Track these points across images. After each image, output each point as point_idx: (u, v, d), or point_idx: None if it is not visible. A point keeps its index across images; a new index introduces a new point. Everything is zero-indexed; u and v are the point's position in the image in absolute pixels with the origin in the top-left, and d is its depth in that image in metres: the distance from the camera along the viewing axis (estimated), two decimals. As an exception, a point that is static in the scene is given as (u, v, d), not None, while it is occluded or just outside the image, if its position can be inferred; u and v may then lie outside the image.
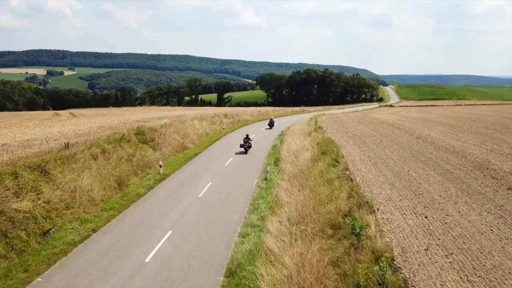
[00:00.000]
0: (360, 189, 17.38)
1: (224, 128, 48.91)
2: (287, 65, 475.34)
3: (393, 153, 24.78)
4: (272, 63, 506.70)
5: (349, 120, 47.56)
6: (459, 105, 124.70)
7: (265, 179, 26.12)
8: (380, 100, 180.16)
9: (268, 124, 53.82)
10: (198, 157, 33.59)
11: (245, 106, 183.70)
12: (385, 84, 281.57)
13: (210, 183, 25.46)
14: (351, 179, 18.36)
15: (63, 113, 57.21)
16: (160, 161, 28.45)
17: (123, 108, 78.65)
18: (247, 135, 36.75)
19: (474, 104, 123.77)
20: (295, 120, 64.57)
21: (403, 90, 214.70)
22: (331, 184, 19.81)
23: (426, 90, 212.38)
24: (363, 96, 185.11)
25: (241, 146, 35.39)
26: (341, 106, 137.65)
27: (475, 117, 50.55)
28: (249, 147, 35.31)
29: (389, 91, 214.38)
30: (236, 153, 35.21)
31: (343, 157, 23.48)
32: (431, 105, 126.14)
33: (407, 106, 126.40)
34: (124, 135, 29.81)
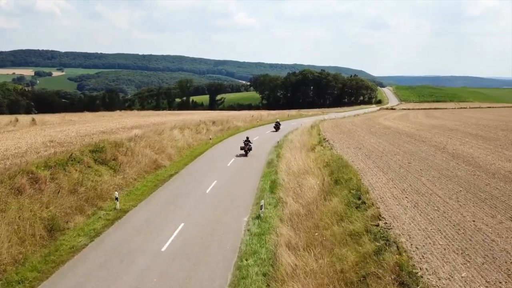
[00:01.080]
0: (413, 264, 10.57)
1: (210, 138, 41.98)
2: (281, 66, 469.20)
3: (435, 185, 18.00)
4: (267, 63, 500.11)
5: (357, 129, 40.79)
6: (464, 108, 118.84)
7: (258, 217, 19.30)
8: (379, 102, 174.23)
9: (274, 127, 54.03)
10: (173, 181, 26.61)
11: (238, 108, 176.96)
12: (382, 86, 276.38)
13: (181, 225, 18.55)
14: (397, 247, 11.48)
15: (25, 119, 49.94)
16: (116, 192, 21.37)
17: (99, 113, 71.23)
18: (247, 138, 36.88)
19: (480, 107, 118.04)
20: (293, 127, 57.73)
21: (402, 92, 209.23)
22: (357, 242, 12.97)
23: (425, 91, 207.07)
24: (361, 98, 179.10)
25: (242, 148, 35.65)
26: (339, 109, 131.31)
27: (501, 125, 44.08)
28: (250, 149, 35.69)
29: (387, 93, 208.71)
30: (232, 160, 28.41)
31: (367, 193, 16.65)
32: (434, 108, 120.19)
33: (410, 109, 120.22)
34: (72, 154, 22.77)
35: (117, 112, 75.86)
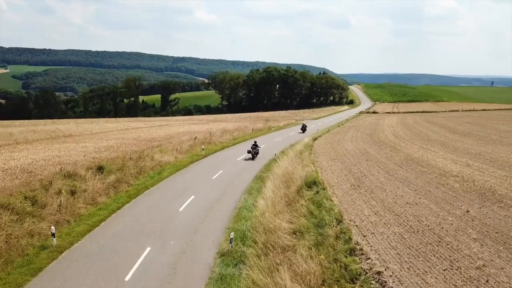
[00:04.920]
0: None
1: (54, 240, 16.03)
2: (243, 64, 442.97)
3: None
4: (228, 61, 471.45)
5: (415, 196, 16.07)
6: (456, 110, 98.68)
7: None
8: (351, 102, 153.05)
9: (301, 129, 54.27)
10: None
11: (195, 110, 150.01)
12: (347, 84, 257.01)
13: None
14: None
15: None
16: None
17: None
18: (255, 142, 34.89)
19: (474, 110, 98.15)
20: (261, 161, 33.00)
21: (372, 91, 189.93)
22: None
23: (396, 90, 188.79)
24: (331, 98, 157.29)
25: (249, 152, 33.86)
26: (311, 112, 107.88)
27: None
28: (256, 153, 33.83)
29: (357, 92, 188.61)
30: None
31: None
32: (422, 111, 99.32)
33: (394, 112, 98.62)
34: None
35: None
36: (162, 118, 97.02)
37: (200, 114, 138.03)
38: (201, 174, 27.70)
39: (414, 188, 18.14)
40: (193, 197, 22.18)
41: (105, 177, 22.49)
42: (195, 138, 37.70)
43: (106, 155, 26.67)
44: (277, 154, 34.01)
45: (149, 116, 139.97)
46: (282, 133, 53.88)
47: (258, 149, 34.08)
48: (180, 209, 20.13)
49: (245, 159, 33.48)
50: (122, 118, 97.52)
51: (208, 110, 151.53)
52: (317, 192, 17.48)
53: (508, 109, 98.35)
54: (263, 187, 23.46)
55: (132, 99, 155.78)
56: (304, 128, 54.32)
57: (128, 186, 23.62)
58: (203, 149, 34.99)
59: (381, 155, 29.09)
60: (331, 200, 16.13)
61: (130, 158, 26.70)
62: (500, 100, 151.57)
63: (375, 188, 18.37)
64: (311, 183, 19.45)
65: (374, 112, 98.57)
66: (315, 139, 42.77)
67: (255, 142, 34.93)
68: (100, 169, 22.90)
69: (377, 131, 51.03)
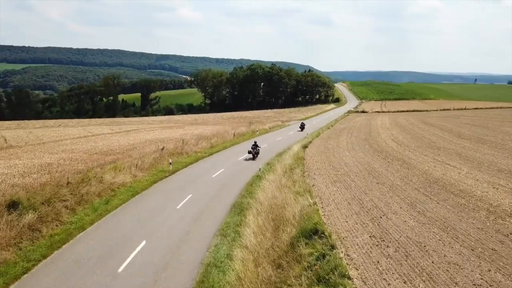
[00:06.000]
0: None
1: None
2: (228, 61, 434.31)
3: None
4: (212, 58, 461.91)
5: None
6: (448, 109, 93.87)
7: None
8: (337, 100, 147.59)
9: (300, 127, 55.62)
10: None
11: (176, 109, 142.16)
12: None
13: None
14: None
15: None
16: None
17: None
18: (255, 142, 34.16)
19: (465, 108, 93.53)
20: (242, 178, 26.47)
21: (358, 89, 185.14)
22: None
23: (382, 88, 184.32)
24: (317, 96, 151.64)
25: (249, 152, 33.09)
26: (297, 112, 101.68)
27: None
28: (257, 153, 33.10)
29: (343, 90, 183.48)
30: None
31: None
32: (413, 110, 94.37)
33: (384, 111, 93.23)
34: None
35: None
36: (136, 120, 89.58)
37: (182, 114, 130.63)
38: (163, 202, 21.04)
39: (467, 244, 11.88)
40: (143, 243, 15.57)
41: (18, 217, 15.67)
42: (162, 148, 30.90)
43: (35, 179, 19.79)
44: (262, 169, 27.57)
45: (128, 116, 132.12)
46: (267, 137, 47.52)
47: (258, 149, 33.61)
48: (120, 270, 13.49)
49: (246, 159, 32.48)
50: (95, 120, 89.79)
51: (190, 109, 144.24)
52: (323, 256, 11.04)
53: (501, 108, 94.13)
54: (242, 225, 17.05)
55: (111, 98, 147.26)
56: (302, 127, 55.72)
57: (57, 226, 16.88)
58: (170, 163, 28.24)
59: (392, 173, 22.91)
60: (349, 278, 9.71)
61: (68, 182, 19.86)
62: (486, 97, 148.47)
63: (408, 245, 12.02)
64: (311, 232, 13.04)
65: (363, 112, 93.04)
66: (305, 146, 36.53)
67: (255, 142, 34.38)
68: (12, 205, 16.05)
69: (372, 135, 45.17)
